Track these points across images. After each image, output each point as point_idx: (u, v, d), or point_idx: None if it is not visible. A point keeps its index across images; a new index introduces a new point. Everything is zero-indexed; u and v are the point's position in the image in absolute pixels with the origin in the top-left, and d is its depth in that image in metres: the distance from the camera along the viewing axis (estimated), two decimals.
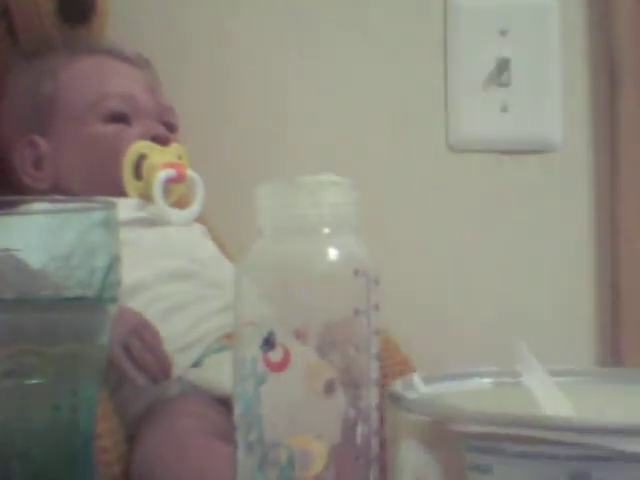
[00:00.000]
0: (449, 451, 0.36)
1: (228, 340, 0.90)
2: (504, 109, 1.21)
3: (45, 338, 0.55)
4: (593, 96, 1.23)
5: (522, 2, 1.22)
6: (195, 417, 0.84)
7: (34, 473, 0.56)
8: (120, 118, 1.04)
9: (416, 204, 1.23)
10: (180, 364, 0.89)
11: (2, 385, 0.55)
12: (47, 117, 1.04)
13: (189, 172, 1.03)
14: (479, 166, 1.23)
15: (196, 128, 1.17)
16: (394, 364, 1.04)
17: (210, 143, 1.20)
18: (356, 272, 0.55)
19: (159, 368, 0.87)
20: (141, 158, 1.02)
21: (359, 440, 0.55)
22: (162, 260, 0.97)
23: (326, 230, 0.56)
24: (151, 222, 1.00)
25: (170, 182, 1.02)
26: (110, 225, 0.58)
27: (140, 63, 1.09)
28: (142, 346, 0.86)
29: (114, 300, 0.58)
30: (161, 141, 1.04)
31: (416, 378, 0.43)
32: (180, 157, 1.05)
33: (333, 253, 0.55)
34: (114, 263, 0.58)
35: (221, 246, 1.06)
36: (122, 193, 1.01)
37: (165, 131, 1.05)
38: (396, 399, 0.41)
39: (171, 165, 1.02)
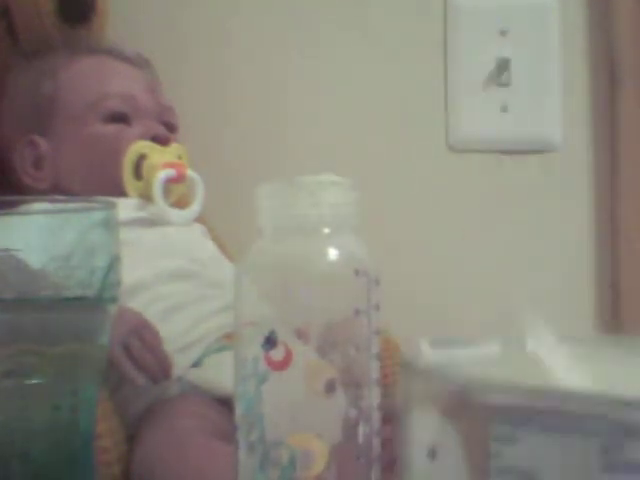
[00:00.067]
0: (470, 421, 0.35)
1: (228, 340, 0.90)
2: (504, 109, 1.21)
3: (45, 338, 0.55)
4: (593, 96, 1.23)
5: (522, 2, 1.22)
6: (195, 417, 0.84)
7: (34, 473, 0.56)
8: (120, 118, 1.04)
9: (416, 204, 1.23)
10: (180, 364, 0.89)
11: (2, 385, 0.55)
12: (47, 117, 1.04)
13: (189, 172, 1.03)
14: (479, 166, 1.23)
15: (196, 128, 1.17)
16: (394, 364, 1.04)
17: (210, 143, 1.21)
18: (357, 272, 0.55)
19: (159, 368, 0.87)
20: (141, 158, 1.02)
21: (360, 440, 0.55)
22: (162, 260, 0.97)
23: (326, 230, 0.56)
24: (151, 222, 1.00)
25: (170, 182, 1.02)
26: (110, 225, 0.58)
27: (140, 63, 1.09)
28: (142, 346, 0.86)
29: (114, 300, 0.58)
30: (161, 141, 1.04)
31: (424, 344, 0.42)
32: (180, 157, 1.05)
33: (333, 253, 0.55)
34: (114, 263, 0.58)
35: (221, 246, 1.06)
36: (122, 193, 1.01)
37: (165, 131, 1.05)
38: (412, 368, 0.40)
39: (171, 165, 1.02)
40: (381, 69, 1.23)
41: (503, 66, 1.21)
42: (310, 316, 0.54)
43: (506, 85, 1.21)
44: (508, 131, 1.22)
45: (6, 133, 1.07)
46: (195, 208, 1.04)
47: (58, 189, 1.02)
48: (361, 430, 0.55)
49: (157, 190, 1.00)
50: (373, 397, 0.55)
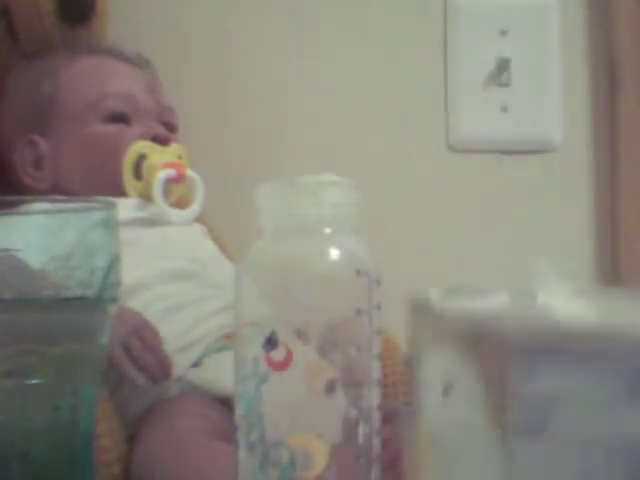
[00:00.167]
0: (488, 357, 0.35)
1: (228, 340, 0.90)
2: (504, 109, 1.21)
3: (45, 338, 0.55)
4: (593, 96, 1.23)
5: (522, 2, 1.22)
6: (195, 417, 0.84)
7: (34, 473, 0.56)
8: (120, 118, 1.04)
9: (416, 204, 1.23)
10: (180, 364, 0.89)
11: (2, 385, 0.55)
12: (47, 117, 1.04)
13: (189, 172, 1.03)
14: (479, 166, 1.23)
15: (196, 128, 1.17)
16: (394, 364, 1.04)
17: (210, 143, 1.20)
18: (358, 272, 0.55)
19: (159, 368, 0.87)
20: (141, 158, 1.02)
21: (360, 440, 0.55)
22: (162, 260, 0.97)
23: (327, 230, 0.56)
24: (151, 222, 1.00)
25: (170, 182, 1.02)
26: (110, 225, 0.58)
27: (140, 63, 1.09)
28: (142, 346, 0.86)
29: (114, 300, 0.58)
30: (161, 141, 1.04)
31: (433, 292, 0.42)
32: (180, 157, 1.05)
33: (334, 253, 0.55)
34: (114, 263, 0.58)
35: (221, 246, 1.06)
36: (122, 193, 1.01)
37: (165, 131, 1.05)
38: (425, 309, 0.40)
39: (171, 165, 1.02)
40: (381, 69, 1.23)
41: (503, 66, 1.21)
42: (311, 316, 0.54)
43: (506, 85, 1.21)
44: (508, 131, 1.22)
45: (6, 133, 1.07)
46: (195, 208, 1.04)
47: (58, 189, 1.02)
48: (361, 430, 0.55)
49: (157, 190, 1.00)
50: (373, 397, 0.55)
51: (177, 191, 1.05)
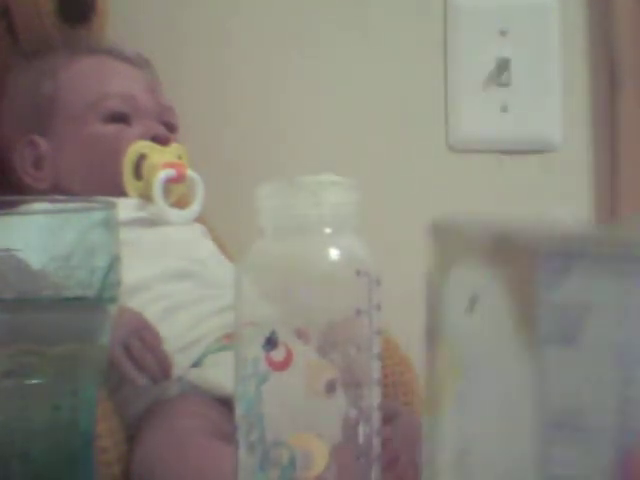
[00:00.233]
0: (515, 266, 0.34)
1: (228, 340, 0.90)
2: (504, 109, 1.21)
3: (45, 338, 0.55)
4: (593, 96, 1.23)
5: (522, 2, 1.22)
6: (195, 417, 0.84)
7: (34, 473, 0.56)
8: (120, 118, 1.04)
9: (416, 204, 1.22)
10: (180, 364, 0.89)
11: (2, 385, 0.55)
12: (47, 117, 1.04)
13: (189, 172, 1.03)
14: (479, 166, 1.23)
15: (196, 128, 1.17)
16: (394, 364, 1.04)
17: (210, 143, 1.20)
18: (358, 272, 0.55)
19: (159, 368, 0.87)
20: (141, 158, 1.02)
21: (360, 440, 0.55)
22: (162, 260, 0.97)
23: (327, 230, 0.56)
24: (151, 222, 1.00)
25: (170, 182, 1.02)
26: (110, 225, 0.58)
27: (140, 63, 1.09)
28: (142, 346, 0.86)
29: (114, 300, 0.58)
30: (161, 141, 1.04)
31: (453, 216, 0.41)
32: (180, 157, 1.05)
33: (334, 253, 0.55)
34: (114, 263, 0.58)
35: (221, 246, 1.06)
36: (122, 193, 1.01)
37: (165, 131, 1.05)
38: (449, 225, 0.38)
39: (171, 165, 1.02)
40: (381, 69, 1.23)
41: (503, 66, 1.21)
42: (311, 316, 0.54)
43: (506, 85, 1.21)
44: (508, 131, 1.22)
45: (6, 133, 1.07)
46: (195, 208, 1.04)
47: (58, 189, 1.02)
48: (361, 430, 0.55)
49: (157, 190, 1.00)
50: (373, 397, 0.55)
51: (177, 191, 1.05)
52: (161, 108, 1.07)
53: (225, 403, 0.84)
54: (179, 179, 1.03)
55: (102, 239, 0.57)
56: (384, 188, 1.20)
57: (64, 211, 0.59)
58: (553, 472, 0.33)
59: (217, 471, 0.76)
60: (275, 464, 0.54)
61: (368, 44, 1.22)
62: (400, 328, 1.03)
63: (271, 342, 0.54)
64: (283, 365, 0.54)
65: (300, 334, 0.54)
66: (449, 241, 0.38)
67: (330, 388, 0.54)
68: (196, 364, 0.91)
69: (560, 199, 1.23)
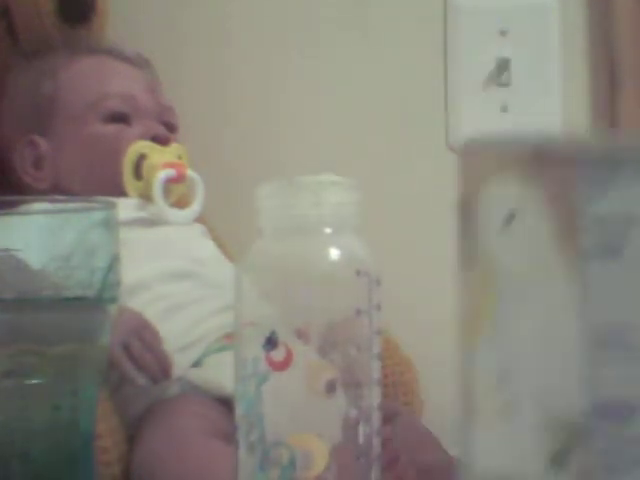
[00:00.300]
0: (556, 179, 0.33)
1: (228, 340, 0.90)
2: (504, 109, 1.21)
3: (45, 338, 0.55)
4: (593, 96, 1.23)
5: (522, 2, 1.22)
6: (195, 417, 0.84)
7: (34, 473, 0.56)
8: (120, 118, 1.04)
9: (416, 204, 1.22)
10: (180, 364, 0.89)
11: (2, 385, 0.55)
12: (47, 117, 1.04)
13: (189, 172, 1.03)
14: None
15: (196, 128, 1.17)
16: (394, 364, 1.04)
17: (210, 143, 1.20)
18: (358, 272, 0.55)
19: (159, 368, 0.87)
20: (141, 158, 1.02)
21: (360, 440, 0.55)
22: (162, 260, 0.97)
23: (327, 230, 0.56)
24: (151, 222, 1.00)
25: (170, 182, 1.02)
26: (110, 225, 0.58)
27: (140, 63, 1.09)
28: (142, 346, 0.86)
29: (114, 300, 0.58)
30: (161, 141, 1.04)
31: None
32: (180, 157, 1.05)
33: (335, 253, 0.55)
34: (114, 263, 0.58)
35: (221, 246, 1.06)
36: (122, 193, 1.01)
37: (165, 131, 1.05)
38: (484, 140, 0.37)
39: (171, 165, 1.02)
40: (381, 69, 1.22)
41: (503, 66, 1.21)
42: (311, 316, 0.54)
43: (506, 85, 1.21)
44: (508, 131, 1.22)
45: (6, 133, 1.07)
46: (195, 208, 1.03)
47: (58, 189, 1.02)
48: (361, 430, 0.55)
49: (157, 190, 1.00)
50: (373, 397, 0.55)
51: (177, 191, 1.04)
52: (161, 108, 1.07)
53: (225, 403, 0.84)
54: (179, 179, 1.03)
55: (102, 239, 0.57)
56: (384, 188, 1.20)
57: (64, 211, 0.59)
58: (599, 391, 0.32)
59: (217, 471, 0.76)
60: (275, 464, 0.54)
61: (368, 44, 1.22)
62: (400, 328, 1.03)
63: (271, 342, 0.54)
64: (283, 365, 0.54)
65: (300, 334, 0.54)
66: (483, 158, 0.36)
67: (330, 388, 0.54)
68: (196, 364, 0.91)
69: None
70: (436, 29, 1.22)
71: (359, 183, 0.58)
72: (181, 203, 1.04)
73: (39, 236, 0.56)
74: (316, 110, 1.23)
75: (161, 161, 1.02)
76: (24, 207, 0.61)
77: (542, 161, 0.34)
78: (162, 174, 1.01)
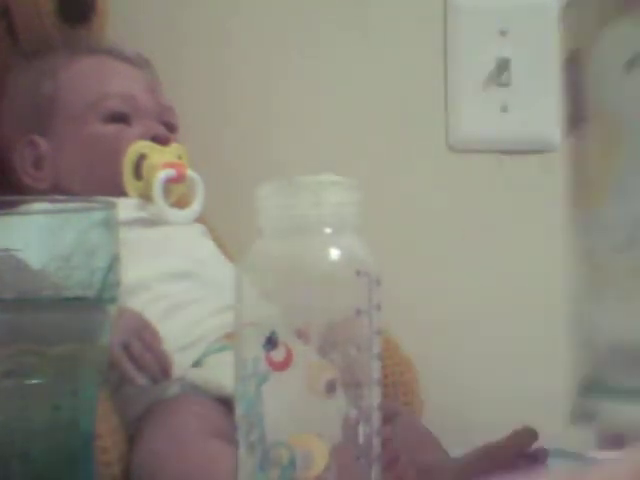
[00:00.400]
0: None
1: (228, 340, 0.90)
2: (504, 109, 1.21)
3: (45, 338, 0.55)
4: None
5: (522, 2, 1.22)
6: (195, 417, 0.84)
7: (34, 473, 0.56)
8: (120, 118, 1.04)
9: (416, 204, 1.22)
10: (180, 364, 0.89)
11: (2, 385, 0.55)
12: (47, 117, 1.04)
13: (189, 172, 1.03)
14: (479, 166, 1.23)
15: (196, 128, 1.17)
16: (394, 364, 1.04)
17: (210, 143, 1.20)
18: (358, 272, 0.55)
19: (159, 368, 0.87)
20: (141, 158, 1.02)
21: (360, 440, 0.55)
22: (162, 260, 0.97)
23: (327, 230, 0.56)
24: (151, 222, 1.00)
25: (170, 182, 1.02)
26: (110, 225, 0.58)
27: (140, 63, 1.09)
28: (142, 346, 0.86)
29: (114, 300, 0.59)
30: (161, 141, 1.04)
31: None
32: (180, 157, 1.05)
33: (335, 253, 0.55)
34: (114, 263, 0.58)
35: (221, 246, 1.06)
36: (122, 193, 1.01)
37: (165, 131, 1.05)
38: None
39: (171, 165, 1.02)
40: (381, 69, 1.23)
41: (503, 66, 1.21)
42: (311, 316, 0.54)
43: (506, 85, 1.21)
44: (508, 131, 1.22)
45: (6, 133, 1.07)
46: (195, 208, 1.04)
47: (58, 189, 1.02)
48: (361, 430, 0.55)
49: (157, 190, 1.00)
50: (373, 397, 0.55)
51: (177, 191, 1.05)
52: (161, 108, 1.07)
53: (225, 403, 0.84)
54: (179, 179, 1.03)
55: (102, 239, 0.57)
56: (384, 188, 1.20)
57: (64, 211, 0.59)
58: None
59: (217, 471, 0.76)
60: (275, 464, 0.54)
61: (368, 44, 1.22)
62: (400, 328, 1.03)
63: (271, 342, 0.54)
64: (283, 365, 0.54)
65: (300, 334, 0.54)
66: (596, 4, 0.34)
67: (330, 388, 0.54)
68: (196, 364, 0.91)
69: (560, 199, 1.23)
70: (436, 29, 1.22)
71: (359, 183, 0.58)
72: (181, 203, 1.04)
73: (39, 236, 0.56)
74: (316, 110, 1.23)
75: (161, 161, 1.02)
76: (24, 207, 0.61)
77: None
78: (162, 174, 1.01)
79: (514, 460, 0.81)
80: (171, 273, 0.96)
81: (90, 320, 0.58)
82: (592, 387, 0.36)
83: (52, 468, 0.56)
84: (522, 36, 1.21)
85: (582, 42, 0.35)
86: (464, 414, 1.18)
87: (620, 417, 0.35)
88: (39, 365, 0.55)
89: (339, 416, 0.54)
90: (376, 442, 0.56)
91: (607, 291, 0.36)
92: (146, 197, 1.01)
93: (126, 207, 0.98)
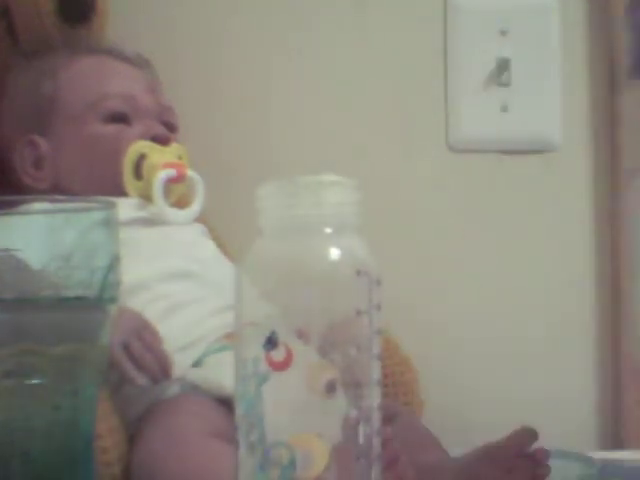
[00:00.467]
0: None
1: (228, 340, 0.90)
2: (504, 109, 1.21)
3: (45, 338, 0.55)
4: (593, 96, 1.23)
5: (522, 2, 1.22)
6: (195, 417, 0.84)
7: (34, 473, 0.56)
8: (120, 118, 1.04)
9: (416, 204, 1.22)
10: (180, 364, 0.89)
11: (3, 385, 0.55)
12: (47, 117, 1.04)
13: (189, 172, 1.03)
14: (479, 166, 1.23)
15: (196, 128, 1.17)
16: (394, 364, 1.04)
17: (210, 143, 1.20)
18: (358, 272, 0.55)
19: (159, 368, 0.87)
20: (141, 158, 1.02)
21: (360, 440, 0.55)
22: (162, 260, 0.97)
23: (327, 230, 0.56)
24: (151, 222, 1.00)
25: (170, 182, 1.02)
26: (110, 225, 0.58)
27: (140, 63, 1.09)
28: (142, 346, 0.86)
29: (114, 300, 0.59)
30: (161, 141, 1.04)
31: None
32: (180, 157, 1.05)
33: (335, 253, 0.55)
34: (114, 263, 0.58)
35: (221, 246, 1.06)
36: (122, 193, 1.01)
37: (165, 131, 1.05)
38: None
39: (171, 165, 1.02)
40: (381, 69, 1.23)
41: (503, 66, 1.21)
42: (311, 316, 0.54)
43: (506, 85, 1.21)
44: (508, 131, 1.22)
45: (6, 133, 1.07)
46: (195, 208, 1.04)
47: (58, 189, 1.02)
48: (361, 430, 0.55)
49: (157, 190, 1.00)
50: (374, 397, 0.55)
51: (177, 191, 1.05)
52: (161, 108, 1.07)
53: (225, 403, 0.84)
54: (179, 179, 1.03)
55: (102, 239, 0.58)
56: (384, 188, 1.20)
57: (64, 211, 0.59)
58: None
59: (217, 471, 0.76)
60: (275, 464, 0.54)
61: (368, 44, 1.22)
62: (400, 328, 1.03)
63: (271, 342, 0.54)
64: (283, 365, 0.54)
65: (300, 334, 0.54)
66: None
67: (330, 388, 0.54)
68: (196, 364, 0.91)
69: (560, 199, 1.24)
70: (436, 29, 1.22)
71: (359, 183, 0.58)
72: (181, 203, 1.04)
73: (39, 236, 0.56)
74: (316, 110, 1.23)
75: (161, 161, 1.02)
76: (24, 207, 0.61)
77: None
78: (162, 174, 1.01)
79: (514, 460, 0.80)
80: (171, 273, 0.96)
81: (90, 320, 0.58)
82: None
83: (52, 468, 0.56)
84: (522, 36, 1.21)
85: None
86: (464, 414, 1.18)
87: None
88: (39, 365, 0.55)
89: (339, 416, 0.54)
90: (376, 442, 0.56)
91: None
92: (146, 197, 1.01)
93: (126, 207, 0.98)
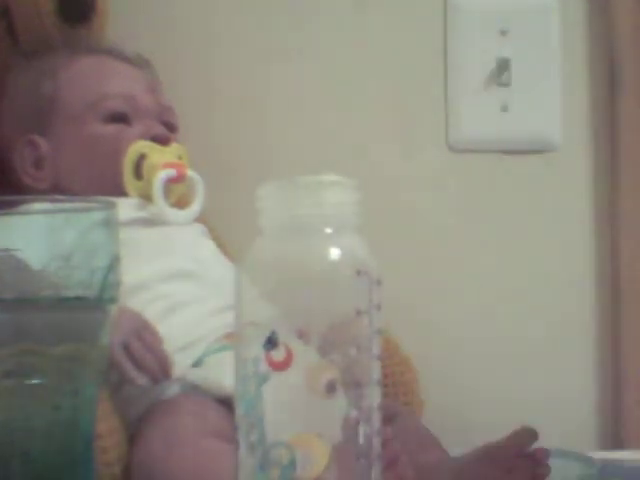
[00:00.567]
0: None
1: (228, 340, 0.90)
2: (504, 109, 1.21)
3: (45, 338, 0.55)
4: (593, 96, 1.23)
5: (522, 2, 1.22)
6: (195, 417, 0.84)
7: (34, 473, 0.56)
8: (120, 118, 1.04)
9: (416, 204, 1.22)
10: (180, 364, 0.89)
11: (3, 385, 0.55)
12: (47, 117, 1.04)
13: (189, 172, 1.03)
14: (479, 166, 1.23)
15: (196, 128, 1.17)
16: (394, 364, 1.04)
17: (210, 143, 1.20)
18: (358, 272, 0.55)
19: (159, 368, 0.87)
20: (141, 158, 1.02)
21: (360, 440, 0.55)
22: (162, 260, 0.97)
23: (328, 230, 0.56)
24: (151, 222, 1.00)
25: (170, 182, 1.02)
26: (110, 225, 0.58)
27: (140, 63, 1.09)
28: (142, 346, 0.86)
29: (114, 300, 0.59)
30: (161, 141, 1.04)
31: None
32: (180, 157, 1.05)
33: (335, 253, 0.55)
34: (114, 263, 0.58)
35: (221, 246, 1.06)
36: (122, 193, 1.01)
37: (165, 131, 1.05)
38: None
39: (171, 165, 1.02)
40: (381, 69, 1.23)
41: (503, 66, 1.21)
42: (311, 316, 0.54)
43: (506, 85, 1.21)
44: (508, 131, 1.22)
45: (6, 133, 1.07)
46: (195, 208, 1.04)
47: (58, 189, 1.02)
48: (361, 430, 0.55)
49: (157, 190, 1.00)
50: (374, 397, 0.55)
51: (177, 191, 1.05)
52: (161, 108, 1.07)
53: (225, 403, 0.84)
54: (179, 179, 1.03)
55: (102, 239, 0.58)
56: (384, 188, 1.20)
57: (64, 211, 0.59)
58: None
59: (216, 471, 0.76)
60: (275, 464, 0.54)
61: (368, 44, 1.22)
62: (400, 328, 1.03)
63: (271, 342, 0.54)
64: (283, 365, 0.54)
65: (300, 334, 0.54)
66: None
67: (330, 388, 0.54)
68: (196, 364, 0.91)
69: (560, 199, 1.24)
70: (436, 29, 1.22)
71: (359, 183, 0.58)
72: (181, 203, 1.04)
73: (39, 236, 0.56)
74: (316, 110, 1.23)
75: (161, 161, 1.02)
76: (24, 207, 0.61)
77: None
78: (162, 174, 1.01)
79: (514, 460, 0.80)
80: (171, 273, 0.96)
81: (90, 320, 0.58)
82: None
83: (52, 468, 0.56)
84: (522, 36, 1.21)
85: None
86: (464, 414, 1.18)
87: None
88: (39, 365, 0.55)
89: (339, 416, 0.54)
90: (376, 442, 0.56)
91: None
92: (146, 197, 1.01)
93: (126, 207, 0.98)
